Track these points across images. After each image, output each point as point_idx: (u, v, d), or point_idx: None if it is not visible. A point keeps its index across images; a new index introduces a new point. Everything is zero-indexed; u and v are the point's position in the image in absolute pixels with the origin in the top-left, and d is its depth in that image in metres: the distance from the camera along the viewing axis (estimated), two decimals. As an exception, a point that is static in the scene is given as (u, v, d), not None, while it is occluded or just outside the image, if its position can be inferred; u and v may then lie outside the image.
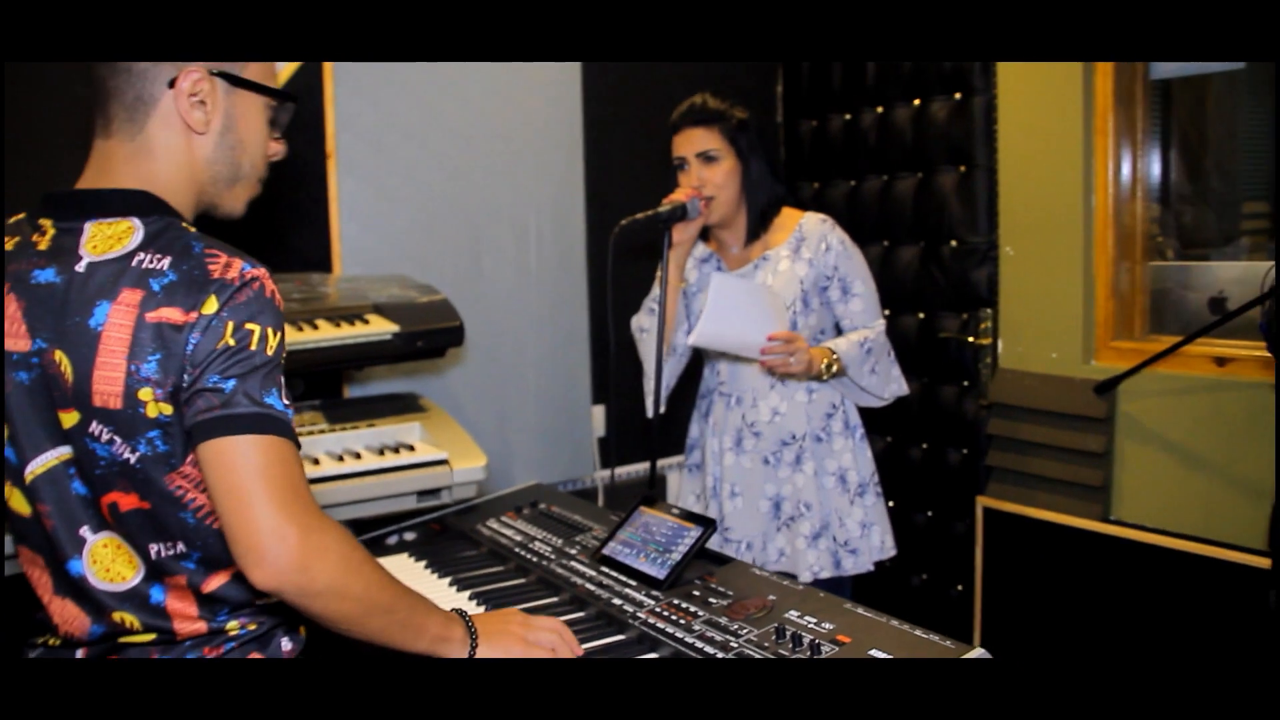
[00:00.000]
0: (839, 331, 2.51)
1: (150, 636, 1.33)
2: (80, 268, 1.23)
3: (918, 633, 1.46)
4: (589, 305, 3.63)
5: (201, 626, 1.34)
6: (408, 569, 2.07)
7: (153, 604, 1.32)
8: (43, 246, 1.27)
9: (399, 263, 3.22)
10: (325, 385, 3.09)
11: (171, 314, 1.19)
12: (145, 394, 1.21)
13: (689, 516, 1.90)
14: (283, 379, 1.27)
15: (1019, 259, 3.26)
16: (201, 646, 1.35)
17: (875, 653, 1.42)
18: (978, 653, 1.38)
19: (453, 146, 3.31)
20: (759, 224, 2.46)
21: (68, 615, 1.34)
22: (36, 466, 1.27)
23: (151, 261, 1.22)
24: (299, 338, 2.47)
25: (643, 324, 2.59)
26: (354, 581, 1.24)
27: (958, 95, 3.34)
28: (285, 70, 3.00)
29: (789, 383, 2.46)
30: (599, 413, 3.68)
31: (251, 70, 1.36)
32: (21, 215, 1.34)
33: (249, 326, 1.22)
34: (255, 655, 1.39)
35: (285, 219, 3.05)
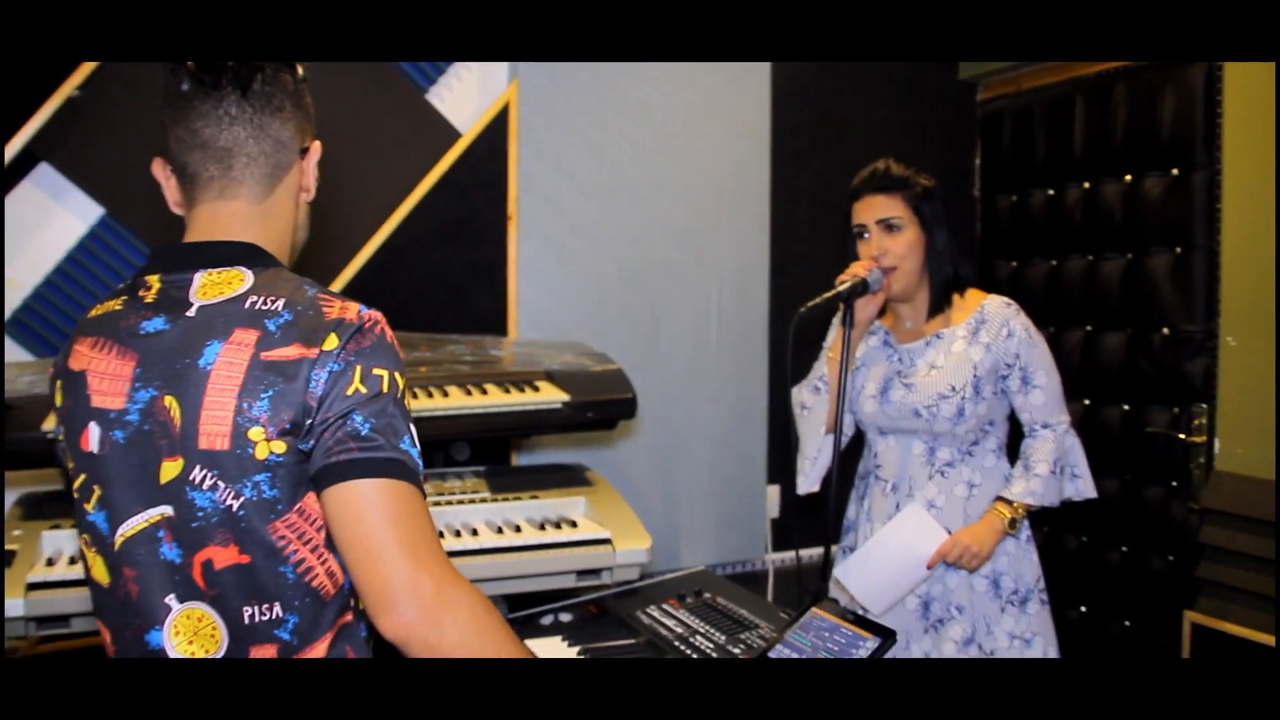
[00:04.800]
0: (1011, 422, 2.33)
1: None
2: (191, 313, 1.23)
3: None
4: (769, 381, 3.50)
5: None
6: (560, 654, 1.97)
7: None
8: (149, 300, 1.26)
9: (575, 328, 3.18)
10: (493, 451, 3.05)
11: (288, 351, 1.18)
12: (255, 433, 1.17)
13: (865, 624, 1.73)
14: (412, 424, 1.23)
15: (1242, 351, 2.96)
16: None
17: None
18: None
19: (635, 212, 3.26)
20: (941, 299, 2.30)
21: None
22: (128, 529, 1.23)
23: (265, 303, 1.22)
24: (468, 402, 2.43)
25: (805, 401, 2.40)
26: (483, 643, 1.18)
27: (1175, 170, 3.08)
28: (469, 132, 3.01)
29: (950, 474, 2.26)
30: (774, 493, 3.52)
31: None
32: (124, 284, 1.34)
33: (377, 372, 1.20)
34: None
35: (463, 279, 3.06)
